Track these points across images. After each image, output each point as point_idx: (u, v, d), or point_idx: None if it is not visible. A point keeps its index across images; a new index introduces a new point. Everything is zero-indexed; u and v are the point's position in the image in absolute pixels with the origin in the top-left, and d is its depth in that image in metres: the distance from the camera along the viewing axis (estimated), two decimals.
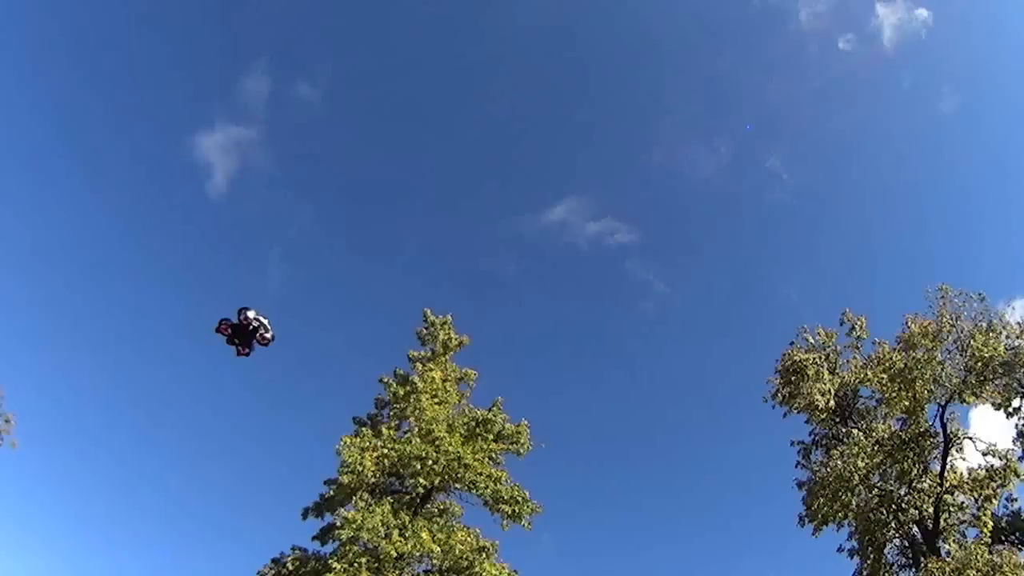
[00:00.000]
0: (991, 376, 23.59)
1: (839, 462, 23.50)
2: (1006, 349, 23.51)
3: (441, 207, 71.73)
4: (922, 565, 21.79)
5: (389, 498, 20.25)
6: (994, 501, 23.09)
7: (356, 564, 18.36)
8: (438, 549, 19.01)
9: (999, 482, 22.90)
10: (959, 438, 24.20)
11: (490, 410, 22.44)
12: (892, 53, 62.25)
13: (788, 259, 67.58)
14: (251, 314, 12.92)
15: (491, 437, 21.80)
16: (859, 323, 25.99)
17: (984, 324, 23.99)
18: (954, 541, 23.78)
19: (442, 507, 22.09)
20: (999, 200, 59.89)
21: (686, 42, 67.14)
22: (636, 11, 66.79)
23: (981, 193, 61.51)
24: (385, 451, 20.27)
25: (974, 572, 20.36)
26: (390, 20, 67.56)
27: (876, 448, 23.77)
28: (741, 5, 65.85)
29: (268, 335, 13.33)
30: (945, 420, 24.17)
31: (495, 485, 20.73)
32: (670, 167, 70.23)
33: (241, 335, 13.07)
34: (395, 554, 18.43)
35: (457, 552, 19.18)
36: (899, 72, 63.89)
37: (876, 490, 23.81)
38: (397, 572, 18.83)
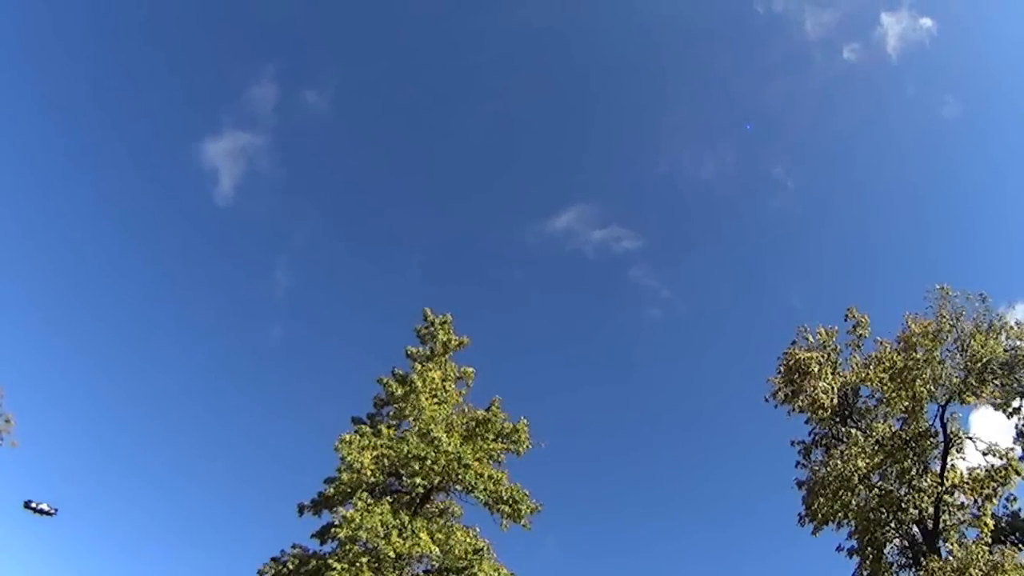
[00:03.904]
0: (991, 376, 23.55)
1: (839, 462, 23.48)
2: (1006, 349, 23.47)
3: (447, 213, 71.79)
4: (923, 564, 21.75)
5: (388, 498, 20.23)
6: (994, 501, 23.04)
7: (357, 564, 18.34)
8: (437, 550, 19.00)
9: (999, 481, 22.84)
10: (959, 438, 24.15)
11: (489, 409, 22.44)
12: (896, 61, 62.30)
13: (791, 264, 67.70)
14: (33, 504, 24.30)
15: (491, 437, 21.80)
16: (863, 320, 25.95)
17: (984, 324, 23.96)
18: (955, 541, 23.71)
19: (442, 507, 22.12)
20: (1001, 204, 59.84)
21: (691, 50, 67.46)
22: (641, 19, 67.04)
23: (984, 197, 61.51)
24: (384, 451, 20.27)
25: (975, 571, 20.32)
26: (396, 28, 67.88)
27: (876, 448, 23.75)
28: (747, 14, 65.89)
29: (52, 512, 24.53)
30: (945, 420, 24.14)
31: (494, 485, 20.72)
32: (675, 174, 70.48)
33: (37, 511, 24.40)
34: (394, 554, 18.41)
35: (456, 552, 19.17)
36: (903, 80, 63.87)
37: (876, 490, 23.76)
38: (396, 572, 18.81)
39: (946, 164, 63.01)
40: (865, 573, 24.07)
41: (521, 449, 22.01)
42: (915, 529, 23.86)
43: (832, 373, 24.89)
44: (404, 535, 18.88)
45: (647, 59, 68.47)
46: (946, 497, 23.46)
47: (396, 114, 69.95)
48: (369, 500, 19.61)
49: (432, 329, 24.00)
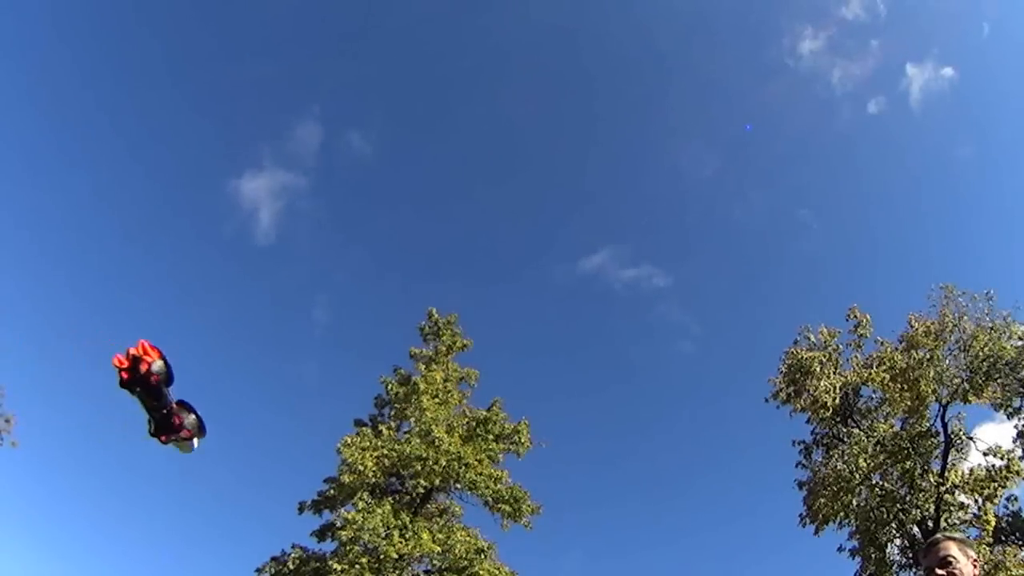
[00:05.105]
0: (995, 376, 23.47)
1: (840, 462, 23.47)
2: (1010, 349, 23.37)
3: (482, 254, 72.09)
4: (920, 563, 21.70)
5: (389, 498, 20.35)
6: (995, 500, 23.00)
7: (358, 565, 18.42)
8: (438, 549, 19.09)
9: (999, 482, 22.79)
10: (960, 438, 24.11)
11: (489, 410, 22.49)
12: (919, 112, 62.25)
13: (820, 304, 67.71)
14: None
15: (491, 437, 21.85)
16: (864, 320, 25.85)
17: (987, 324, 23.87)
18: None
19: (442, 507, 22.20)
20: (1005, 204, 59.40)
21: (701, 101, 68.27)
22: (679, 69, 67.96)
23: (987, 197, 61.15)
24: (385, 451, 20.34)
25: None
26: (441, 75, 68.70)
27: (878, 448, 23.71)
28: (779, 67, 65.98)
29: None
30: (946, 420, 24.10)
31: (495, 485, 20.80)
32: (702, 217, 71.24)
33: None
34: (395, 555, 18.50)
35: (457, 552, 19.24)
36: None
37: (877, 490, 23.74)
38: (397, 572, 18.91)
39: (949, 163, 62.64)
40: (867, 573, 24.10)
41: (521, 450, 22.10)
42: (915, 529, 23.85)
43: (834, 373, 24.83)
44: (405, 535, 18.97)
45: (673, 105, 69.50)
46: (947, 497, 23.42)
47: (439, 160, 71.04)
48: (370, 501, 19.69)
49: (436, 328, 24.02)
